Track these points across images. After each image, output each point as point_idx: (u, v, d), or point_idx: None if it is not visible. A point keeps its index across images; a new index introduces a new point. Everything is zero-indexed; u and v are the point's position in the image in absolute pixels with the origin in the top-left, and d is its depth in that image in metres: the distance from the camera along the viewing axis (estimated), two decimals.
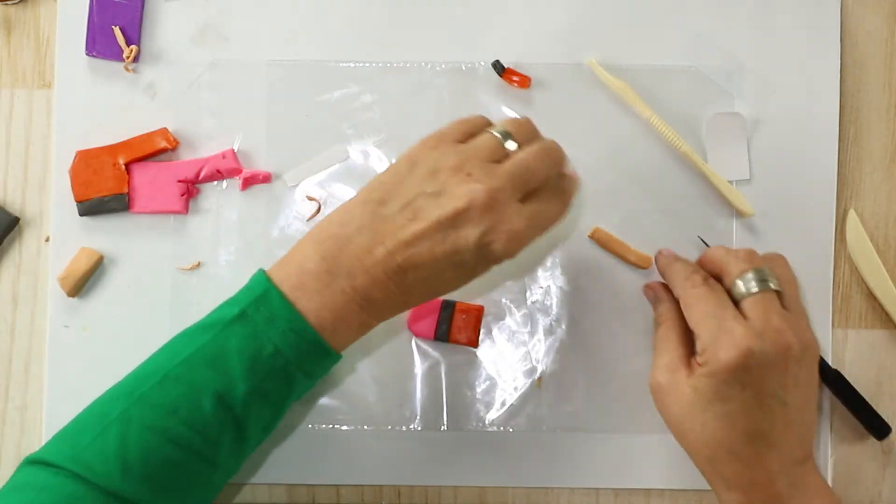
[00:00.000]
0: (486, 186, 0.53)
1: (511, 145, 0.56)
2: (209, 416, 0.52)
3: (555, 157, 0.57)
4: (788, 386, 0.56)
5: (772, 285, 0.58)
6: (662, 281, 0.63)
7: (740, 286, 0.58)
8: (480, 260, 0.54)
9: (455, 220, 0.53)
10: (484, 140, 0.56)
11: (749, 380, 0.55)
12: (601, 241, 0.68)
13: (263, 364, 0.53)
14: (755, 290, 0.58)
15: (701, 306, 0.58)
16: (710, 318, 0.57)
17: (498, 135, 0.56)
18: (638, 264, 0.68)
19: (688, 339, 0.60)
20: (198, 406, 0.52)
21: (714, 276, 0.60)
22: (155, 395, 0.52)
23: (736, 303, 0.58)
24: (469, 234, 0.53)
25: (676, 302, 0.61)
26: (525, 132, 0.57)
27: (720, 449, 0.56)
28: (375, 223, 0.54)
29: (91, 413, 0.53)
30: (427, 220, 0.53)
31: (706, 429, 0.57)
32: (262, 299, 0.53)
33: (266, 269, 0.56)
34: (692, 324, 0.58)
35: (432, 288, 0.55)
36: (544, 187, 0.56)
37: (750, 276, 0.58)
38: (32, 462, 0.52)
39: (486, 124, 0.58)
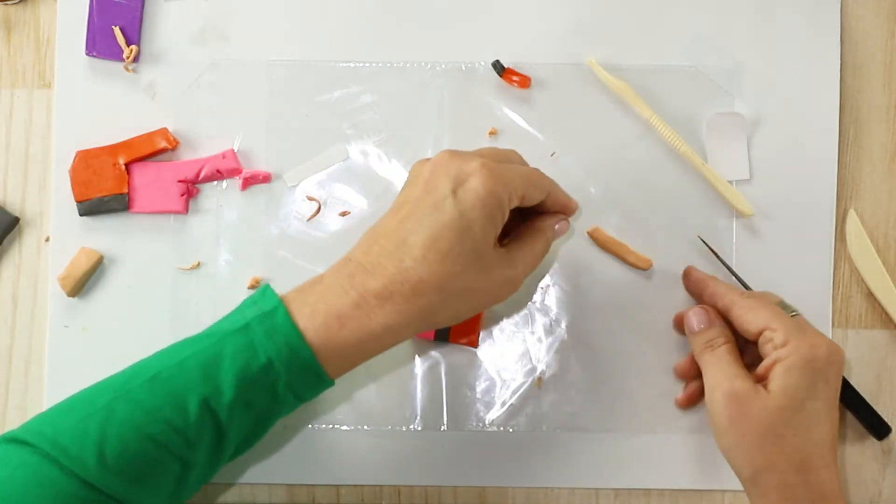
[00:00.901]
0: (446, 151, 0.56)
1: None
2: (192, 419, 0.52)
3: (515, 157, 0.60)
4: (838, 394, 0.58)
5: (794, 313, 0.61)
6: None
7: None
8: (464, 205, 0.53)
9: (427, 186, 0.54)
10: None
11: (831, 375, 0.56)
12: (600, 240, 0.68)
13: (253, 374, 0.53)
14: (792, 314, 0.61)
15: (768, 308, 0.60)
16: (782, 316, 0.59)
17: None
18: (637, 265, 0.68)
19: (741, 358, 0.61)
20: (183, 408, 0.52)
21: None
22: (142, 392, 0.52)
23: None
24: (443, 188, 0.54)
25: (723, 325, 0.63)
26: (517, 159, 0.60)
27: (813, 455, 0.55)
28: (370, 232, 0.56)
29: (77, 400, 0.54)
30: (407, 202, 0.55)
31: (800, 431, 0.55)
32: (268, 315, 0.54)
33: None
34: (759, 325, 0.59)
35: (433, 269, 0.53)
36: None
37: (779, 305, 0.61)
38: (10, 440, 0.52)
39: (517, 157, 0.61)
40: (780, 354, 0.57)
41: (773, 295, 0.63)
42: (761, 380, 0.58)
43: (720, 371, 0.59)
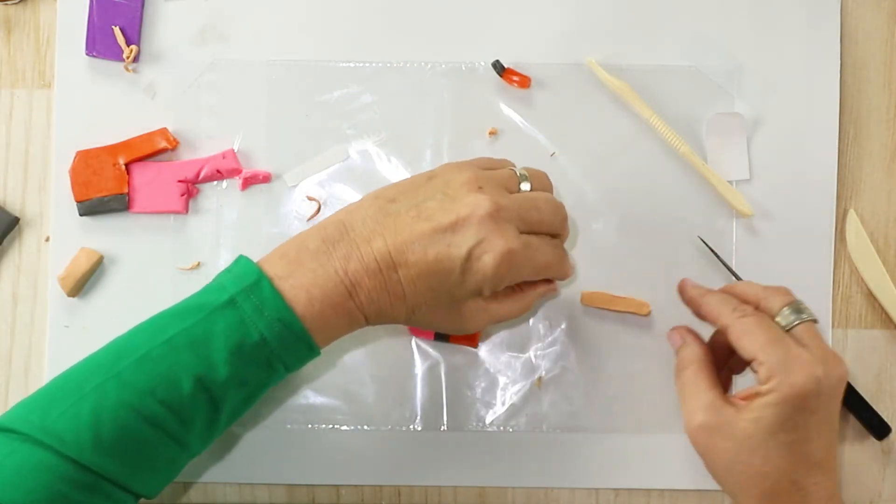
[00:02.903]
0: (493, 200, 0.55)
1: (526, 186, 0.59)
2: (186, 398, 0.52)
3: (561, 211, 0.59)
4: (837, 412, 0.58)
5: (808, 316, 0.59)
6: (685, 325, 0.63)
7: (788, 314, 0.59)
8: (467, 273, 0.55)
9: (455, 225, 0.55)
10: (503, 171, 0.59)
11: (817, 406, 0.56)
12: (595, 302, 0.68)
13: (247, 351, 0.53)
14: (797, 321, 0.58)
15: (759, 333, 0.57)
16: (772, 344, 0.57)
17: (517, 172, 0.59)
18: (637, 313, 0.68)
19: (716, 380, 0.60)
20: (177, 387, 0.52)
21: None
22: (134, 373, 0.52)
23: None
24: (464, 242, 0.54)
25: (700, 344, 0.61)
26: (541, 181, 0.61)
27: (783, 479, 0.56)
28: (380, 216, 0.56)
29: (63, 384, 0.53)
30: (430, 220, 0.55)
31: (769, 460, 0.56)
32: (253, 288, 0.54)
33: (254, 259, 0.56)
34: (750, 351, 0.57)
35: (413, 296, 0.55)
36: (544, 234, 0.58)
37: (791, 308, 0.59)
38: None
39: (509, 164, 0.61)
40: (760, 389, 0.56)
41: (786, 292, 0.60)
42: (747, 398, 0.57)
43: (688, 401, 0.59)
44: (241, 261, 0.56)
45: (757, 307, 0.60)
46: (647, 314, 0.68)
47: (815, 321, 0.59)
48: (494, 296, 0.58)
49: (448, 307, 0.57)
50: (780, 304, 0.59)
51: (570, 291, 0.69)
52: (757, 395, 0.56)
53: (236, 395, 0.54)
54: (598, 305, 0.68)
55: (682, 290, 0.64)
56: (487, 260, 0.55)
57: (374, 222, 0.55)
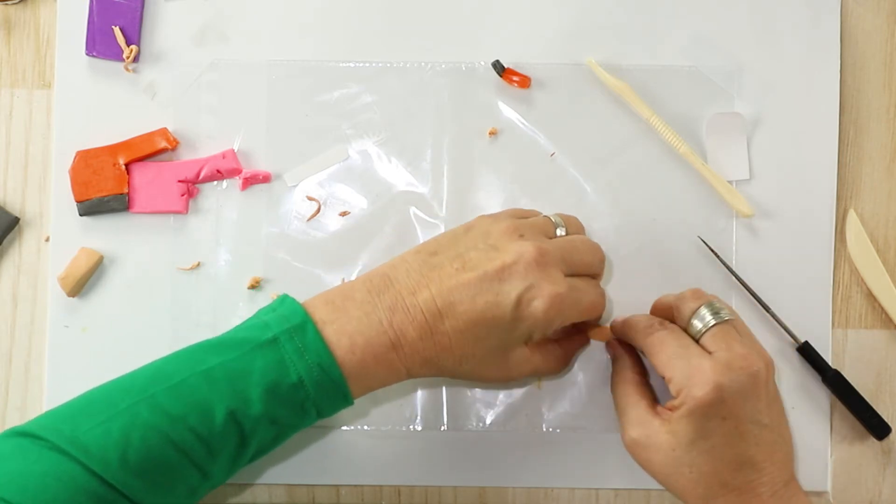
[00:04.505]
0: (536, 246, 0.56)
1: (561, 231, 0.61)
2: (217, 429, 0.52)
3: (599, 252, 0.61)
4: (763, 408, 0.58)
5: (724, 316, 0.60)
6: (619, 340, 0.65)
7: (696, 323, 0.60)
8: (517, 320, 0.56)
9: (502, 272, 0.56)
10: (538, 218, 0.61)
11: (727, 411, 0.57)
12: (600, 338, 0.68)
13: (283, 392, 0.53)
14: (712, 323, 0.59)
15: (665, 349, 0.59)
16: (676, 358, 0.58)
17: (552, 218, 0.61)
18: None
19: (646, 390, 0.62)
20: (209, 417, 0.52)
21: (668, 320, 0.62)
22: (168, 398, 0.52)
23: (696, 340, 0.60)
24: (512, 289, 0.55)
25: (629, 356, 0.64)
26: (575, 225, 0.63)
27: (713, 483, 0.57)
28: (425, 269, 0.56)
29: (97, 399, 0.53)
30: (475, 269, 0.56)
31: (695, 467, 0.57)
32: (297, 330, 0.54)
33: (295, 297, 0.57)
34: (660, 368, 0.59)
35: (462, 346, 0.56)
36: (585, 276, 0.60)
37: (703, 311, 0.60)
38: (21, 434, 0.52)
39: (538, 213, 0.63)
40: (673, 403, 0.58)
41: (697, 296, 0.61)
42: (673, 409, 0.59)
43: (621, 415, 0.62)
44: (287, 301, 0.56)
45: (672, 317, 0.62)
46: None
47: (729, 320, 0.59)
48: (538, 346, 0.60)
49: (495, 357, 0.58)
50: (690, 310, 0.61)
51: None
52: (672, 408, 0.58)
53: (266, 432, 0.54)
54: (603, 339, 0.68)
55: (612, 327, 0.65)
56: (538, 305, 0.55)
57: (418, 275, 0.56)
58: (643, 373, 0.64)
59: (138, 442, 0.51)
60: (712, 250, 0.68)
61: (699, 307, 0.60)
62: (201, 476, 0.53)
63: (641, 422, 0.60)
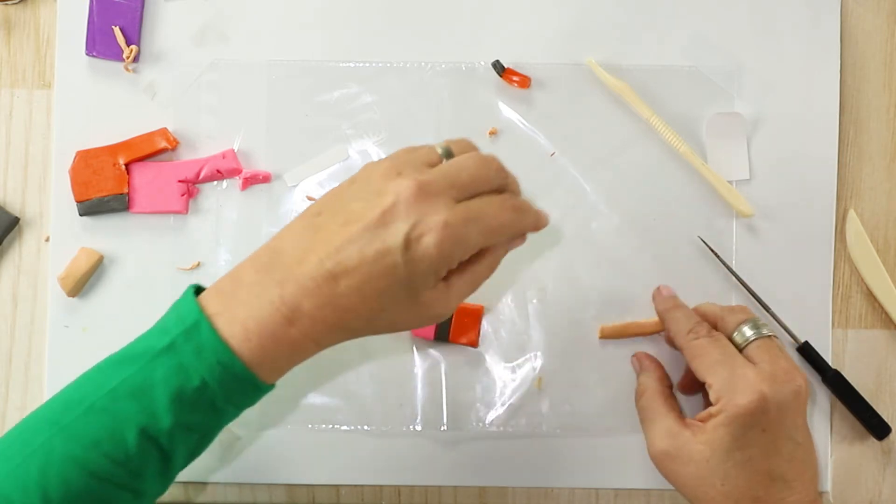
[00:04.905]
0: (414, 178, 0.51)
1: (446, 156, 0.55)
2: (132, 451, 0.50)
3: (491, 163, 0.54)
4: (799, 425, 0.58)
5: (767, 332, 0.60)
6: (646, 352, 0.67)
7: (745, 332, 0.61)
8: (413, 262, 0.50)
9: (384, 217, 0.50)
10: (419, 150, 0.55)
11: (767, 422, 0.57)
12: (614, 334, 0.68)
13: (189, 397, 0.51)
14: (754, 337, 0.60)
15: (709, 355, 0.59)
16: (720, 365, 0.59)
17: (438, 149, 0.55)
18: (655, 330, 0.68)
19: (674, 402, 0.62)
20: (121, 441, 0.50)
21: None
22: (78, 427, 0.50)
23: (739, 351, 0.60)
24: (398, 231, 0.50)
25: (657, 369, 0.65)
26: (462, 146, 0.56)
27: (744, 497, 0.57)
28: (309, 233, 0.52)
29: (12, 441, 0.52)
30: (359, 221, 0.51)
31: (728, 479, 0.57)
32: (192, 330, 0.51)
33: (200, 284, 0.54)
34: (701, 373, 0.59)
35: (366, 303, 0.51)
36: (486, 192, 0.54)
37: (747, 325, 0.61)
38: None
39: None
40: (712, 410, 0.58)
41: (743, 310, 0.62)
42: (704, 420, 0.59)
43: (648, 427, 0.62)
44: (186, 297, 0.53)
45: (715, 326, 0.62)
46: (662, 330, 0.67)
47: (771, 337, 0.61)
48: (453, 275, 0.53)
49: (407, 305, 0.52)
50: (735, 322, 0.61)
51: (569, 291, 0.69)
52: (710, 416, 0.58)
53: (187, 439, 0.52)
54: (620, 336, 0.68)
55: (656, 299, 0.66)
56: (428, 240, 0.50)
57: (304, 240, 0.52)
58: (670, 385, 0.64)
59: (56, 478, 0.49)
60: (712, 250, 0.68)
61: (744, 320, 0.61)
62: (133, 495, 0.51)
63: (672, 433, 0.59)
